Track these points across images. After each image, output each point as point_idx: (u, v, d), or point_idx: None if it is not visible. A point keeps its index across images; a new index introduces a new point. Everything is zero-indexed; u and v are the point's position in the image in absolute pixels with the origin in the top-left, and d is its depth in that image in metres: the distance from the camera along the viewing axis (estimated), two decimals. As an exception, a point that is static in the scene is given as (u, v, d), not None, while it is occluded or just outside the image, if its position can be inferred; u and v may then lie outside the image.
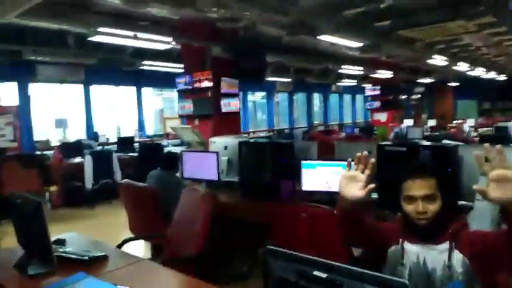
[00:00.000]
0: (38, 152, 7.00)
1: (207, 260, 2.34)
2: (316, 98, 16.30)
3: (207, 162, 3.60)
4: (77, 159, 6.31)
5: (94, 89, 8.93)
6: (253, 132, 11.50)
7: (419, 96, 18.34)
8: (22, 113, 7.17)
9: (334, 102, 17.00)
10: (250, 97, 13.23)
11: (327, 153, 3.38)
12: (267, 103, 13.54)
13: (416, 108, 18.38)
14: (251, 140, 4.14)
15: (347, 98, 17.65)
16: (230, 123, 6.62)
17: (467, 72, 12.97)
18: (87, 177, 5.79)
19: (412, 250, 1.37)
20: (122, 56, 7.81)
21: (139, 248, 3.81)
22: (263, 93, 13.54)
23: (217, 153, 3.59)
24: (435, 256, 1.33)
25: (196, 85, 6.46)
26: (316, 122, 15.54)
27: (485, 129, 9.45)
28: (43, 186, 5.57)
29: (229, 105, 6.74)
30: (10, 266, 1.84)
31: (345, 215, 1.38)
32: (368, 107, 13.76)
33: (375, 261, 1.49)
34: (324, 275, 0.97)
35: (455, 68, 11.45)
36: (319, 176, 2.94)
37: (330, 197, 2.87)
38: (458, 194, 2.35)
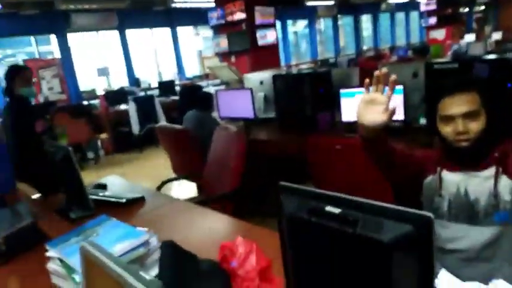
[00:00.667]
0: (85, 102, 7.31)
1: (242, 197, 2.33)
2: (365, 20, 15.07)
3: (241, 100, 3.51)
4: (122, 106, 6.51)
5: (130, 34, 8.93)
6: (296, 65, 11.04)
7: (483, 7, 16.27)
8: (65, 65, 7.43)
9: (385, 23, 15.65)
10: (291, 28, 12.52)
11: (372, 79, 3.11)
12: (309, 32, 12.78)
13: (480, 22, 16.41)
14: (283, 73, 3.92)
15: (400, 16, 16.13)
16: (268, 57, 6.35)
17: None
18: (133, 122, 5.98)
19: (452, 179, 1.20)
20: (153, -5, 7.62)
21: (187, 189, 3.94)
22: (305, 22, 12.75)
23: (251, 89, 3.48)
24: (479, 184, 1.16)
25: (229, 18, 6.16)
26: (365, 48, 14.52)
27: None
28: (94, 134, 5.87)
29: (266, 37, 6.41)
30: (52, 212, 1.95)
31: (367, 146, 1.22)
32: (423, 25, 12.52)
33: (412, 193, 1.34)
34: (337, 211, 0.85)
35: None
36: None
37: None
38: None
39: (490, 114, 1.12)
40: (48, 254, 1.19)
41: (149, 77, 9.22)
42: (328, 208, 0.87)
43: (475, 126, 1.13)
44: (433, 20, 11.81)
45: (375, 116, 1.10)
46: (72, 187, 1.96)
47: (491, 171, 1.15)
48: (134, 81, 8.67)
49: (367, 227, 0.80)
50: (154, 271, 1.16)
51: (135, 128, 6.06)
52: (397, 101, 2.54)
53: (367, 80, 1.14)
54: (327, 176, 2.31)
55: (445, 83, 1.19)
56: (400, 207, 0.78)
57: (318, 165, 2.34)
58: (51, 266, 1.17)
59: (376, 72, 1.11)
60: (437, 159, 1.24)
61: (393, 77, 1.09)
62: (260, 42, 6.32)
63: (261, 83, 3.79)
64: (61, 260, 1.14)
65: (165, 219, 1.80)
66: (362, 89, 2.73)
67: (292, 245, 0.99)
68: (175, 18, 9.33)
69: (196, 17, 8.98)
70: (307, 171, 2.51)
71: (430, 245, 0.73)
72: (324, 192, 0.92)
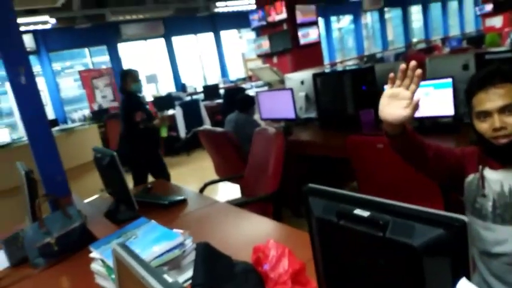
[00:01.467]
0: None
1: (282, 199, 2.32)
2: (415, 11, 14.41)
3: (282, 101, 3.50)
4: (170, 111, 6.74)
5: (176, 41, 9.24)
6: (341, 62, 10.82)
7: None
8: (116, 73, 7.86)
9: (436, 13, 14.87)
10: (336, 24, 12.27)
11: (422, 74, 2.96)
12: (354, 27, 12.45)
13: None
14: (326, 71, 3.86)
15: (453, 5, 15.25)
16: (311, 56, 6.28)
17: None
18: (180, 126, 6.18)
19: (495, 177, 1.11)
20: (197, 1, 7.83)
21: (230, 191, 3.99)
22: (350, 17, 12.44)
23: (291, 89, 3.46)
24: None
25: (270, 19, 6.17)
26: (415, 40, 13.88)
27: None
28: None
29: (308, 35, 6.35)
30: (101, 215, 2.06)
31: (393, 142, 1.17)
32: (478, 12, 11.72)
33: (458, 192, 1.26)
34: (366, 213, 0.82)
35: None
36: (405, 100, 2.60)
37: (420, 124, 2.56)
38: None
39: None
40: (91, 255, 1.26)
41: (195, 82, 9.49)
42: (357, 211, 0.84)
43: None
44: (489, 7, 11.02)
45: (397, 111, 1.06)
46: (118, 191, 2.06)
47: None
48: (181, 86, 8.97)
49: (397, 230, 0.76)
50: (190, 272, 1.18)
51: (182, 132, 6.26)
52: (447, 95, 2.40)
53: (391, 74, 1.09)
54: (370, 176, 2.23)
55: (474, 79, 1.11)
56: (431, 210, 0.73)
57: (360, 165, 2.27)
58: (95, 266, 1.24)
59: (402, 66, 1.06)
60: (478, 157, 1.16)
61: (419, 71, 1.03)
62: (302, 41, 6.27)
63: (302, 82, 3.76)
64: (103, 261, 1.20)
65: (204, 220, 1.83)
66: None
67: (322, 248, 0.97)
68: (218, 22, 9.54)
69: (238, 20, 9.12)
70: (350, 172, 2.44)
71: (464, 250, 0.68)
72: (352, 195, 0.89)
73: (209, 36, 9.90)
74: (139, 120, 3.64)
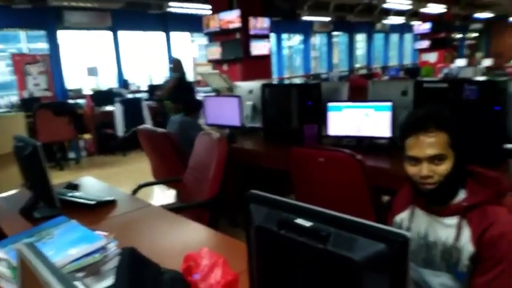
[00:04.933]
0: (71, 101, 7.17)
1: (220, 207, 2.24)
2: (359, 39, 15.26)
3: (229, 108, 3.45)
4: (109, 108, 6.39)
5: (123, 36, 8.85)
6: (289, 78, 11.09)
7: (476, 34, 16.65)
8: (53, 62, 7.30)
9: (379, 43, 15.87)
10: (286, 42, 12.60)
11: (362, 97, 3.09)
12: (303, 47, 12.86)
13: (472, 48, 16.76)
14: (275, 82, 3.89)
15: (394, 38, 16.39)
16: (260, 68, 6.34)
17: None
18: (119, 124, 5.86)
19: (420, 216, 1.13)
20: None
21: (166, 195, 3.83)
22: (300, 37, 12.84)
23: (239, 97, 3.42)
24: (440, 230, 1.08)
25: (224, 26, 6.14)
26: (358, 65, 14.66)
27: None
28: (76, 134, 5.72)
29: (259, 48, 6.40)
30: (16, 211, 1.83)
31: None
32: (416, 47, 12.71)
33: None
34: (308, 224, 0.78)
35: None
36: (347, 120, 2.68)
37: (359, 142, 2.64)
38: (506, 136, 2.03)
39: (459, 156, 1.04)
40: (-5, 254, 1.09)
41: (139, 80, 9.11)
42: (299, 221, 0.80)
43: (441, 169, 1.04)
44: (425, 43, 12.01)
45: None
46: (38, 185, 1.85)
47: (456, 220, 1.06)
48: (123, 83, 8.57)
49: (339, 243, 0.73)
50: (111, 280, 1.06)
51: (120, 130, 5.94)
52: (385, 118, 2.51)
53: None
54: (309, 189, 2.24)
55: (409, 120, 1.09)
56: (375, 224, 0.71)
57: (300, 178, 2.28)
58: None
59: None
60: (412, 195, 1.17)
61: None
62: (253, 52, 6.31)
63: (251, 92, 3.76)
64: (8, 262, 1.04)
65: (133, 224, 1.70)
66: (350, 103, 2.71)
67: (260, 258, 0.91)
68: (170, 22, 9.30)
69: (191, 23, 8.96)
70: (289, 185, 2.44)
71: (404, 266, 0.66)
72: (295, 203, 0.85)
73: (159, 35, 9.61)
74: None
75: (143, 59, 9.82)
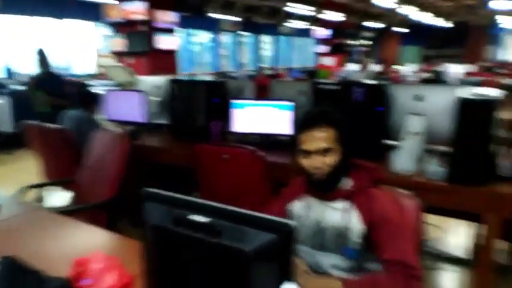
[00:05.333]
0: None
1: (121, 207, 2.13)
2: (266, 41, 15.79)
3: (134, 103, 3.31)
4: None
5: (7, 20, 7.81)
6: (196, 75, 10.99)
7: (370, 42, 18.45)
8: None
9: (284, 45, 16.62)
10: (196, 38, 12.46)
11: (267, 95, 3.20)
12: (212, 44, 12.86)
13: (365, 54, 18.55)
14: (183, 78, 3.84)
15: (298, 41, 17.31)
16: (167, 63, 6.18)
17: (416, 18, 13.07)
18: (4, 119, 5.19)
19: (314, 204, 1.25)
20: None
21: (60, 197, 3.50)
22: (208, 34, 12.80)
23: (144, 92, 3.30)
24: (330, 214, 1.21)
25: (128, 17, 5.83)
26: (265, 66, 15.17)
27: (426, 74, 9.68)
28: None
29: (166, 42, 6.22)
30: None
31: None
32: (316, 51, 13.62)
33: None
34: (204, 219, 0.79)
35: (402, 11, 11.46)
36: (250, 117, 2.76)
37: (263, 139, 2.73)
38: (387, 133, 2.30)
39: (345, 149, 1.18)
40: None
41: (31, 70, 8.12)
42: (194, 217, 0.80)
43: (329, 160, 1.17)
44: (324, 48, 12.93)
45: None
46: None
47: (344, 204, 1.19)
48: (8, 72, 7.56)
49: (232, 236, 0.75)
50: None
51: (7, 125, 5.26)
52: (287, 116, 2.64)
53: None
54: (212, 185, 2.26)
55: (303, 118, 1.22)
56: (264, 215, 0.75)
57: (205, 174, 2.28)
58: None
59: None
60: (305, 184, 1.28)
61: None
62: (160, 46, 6.11)
63: (157, 87, 3.65)
64: None
65: (18, 230, 1.53)
66: (253, 102, 2.78)
67: (157, 257, 0.90)
68: (67, 9, 8.48)
69: (94, 11, 8.29)
70: (195, 182, 2.43)
71: (290, 254, 0.71)
72: (190, 199, 0.85)
73: (55, 22, 8.69)
74: None
75: (34, 47, 8.80)
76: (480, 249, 1.94)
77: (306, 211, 1.25)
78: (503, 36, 17.64)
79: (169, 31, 6.25)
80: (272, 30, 14.95)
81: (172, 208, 0.86)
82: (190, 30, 11.32)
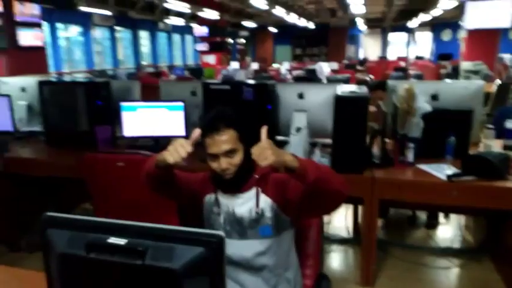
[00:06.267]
0: None
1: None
2: (144, 37, 15.11)
3: (-5, 109, 2.85)
4: None
5: None
6: (69, 73, 9.96)
7: (244, 41, 19.20)
8: None
9: (163, 42, 16.13)
10: (63, 33, 11.21)
11: (153, 96, 3.08)
12: (84, 40, 11.76)
13: (242, 52, 19.27)
14: (54, 79, 3.45)
15: (177, 38, 16.97)
16: (34, 61, 5.45)
17: (284, 18, 14.04)
18: None
19: (224, 199, 1.31)
20: None
21: None
22: (79, 29, 11.66)
23: (8, 96, 2.88)
24: (243, 204, 1.30)
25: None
26: (144, 63, 14.51)
27: (298, 71, 10.52)
28: None
29: (30, 37, 5.46)
30: None
31: (155, 180, 1.27)
32: (197, 49, 13.61)
33: (194, 211, 1.38)
34: (123, 241, 0.74)
35: (274, 11, 12.20)
36: (142, 120, 2.64)
37: (157, 142, 2.64)
38: (277, 129, 2.44)
39: (247, 147, 1.23)
40: None
41: None
42: (112, 240, 0.74)
43: (235, 160, 1.24)
44: (205, 46, 13.00)
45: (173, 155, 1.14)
46: None
47: (253, 191, 1.29)
48: None
49: (157, 255, 0.72)
50: None
51: None
52: (179, 117, 2.60)
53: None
54: (108, 195, 2.10)
55: (203, 123, 1.27)
56: (191, 229, 0.74)
57: (98, 185, 2.10)
58: None
59: None
60: (214, 181, 1.33)
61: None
62: (22, 42, 5.33)
63: (23, 89, 3.22)
64: None
65: None
66: (144, 103, 2.68)
67: (65, 289, 0.80)
68: None
69: None
70: (80, 193, 2.22)
71: (221, 264, 0.71)
72: (105, 221, 0.78)
73: None
74: None
75: None
76: (364, 227, 2.22)
77: (217, 208, 1.31)
78: (361, 37, 20.39)
79: (33, 25, 5.50)
80: (149, 26, 14.39)
81: (82, 233, 0.78)
82: (54, 24, 10.13)
